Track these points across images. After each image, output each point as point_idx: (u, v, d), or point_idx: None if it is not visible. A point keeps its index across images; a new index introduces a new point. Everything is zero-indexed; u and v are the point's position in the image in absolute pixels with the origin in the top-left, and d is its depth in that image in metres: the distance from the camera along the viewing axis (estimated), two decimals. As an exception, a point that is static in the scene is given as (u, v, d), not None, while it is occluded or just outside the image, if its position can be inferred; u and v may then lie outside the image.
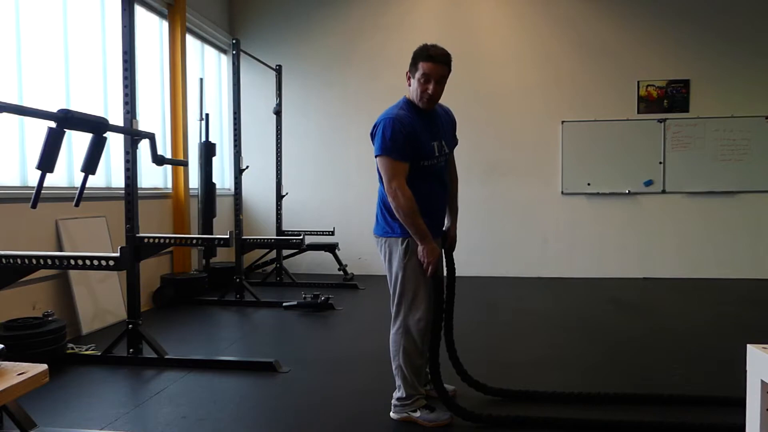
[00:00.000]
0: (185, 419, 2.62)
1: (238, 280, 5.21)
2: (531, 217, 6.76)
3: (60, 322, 3.42)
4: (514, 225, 6.78)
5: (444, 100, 2.63)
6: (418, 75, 2.42)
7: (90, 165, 2.79)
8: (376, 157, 2.46)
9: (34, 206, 2.50)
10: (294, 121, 6.90)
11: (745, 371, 1.21)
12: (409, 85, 2.49)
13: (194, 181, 5.72)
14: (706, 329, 4.36)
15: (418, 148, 2.44)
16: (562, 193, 6.69)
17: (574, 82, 6.65)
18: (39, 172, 2.49)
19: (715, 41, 6.46)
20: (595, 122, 6.61)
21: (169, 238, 3.46)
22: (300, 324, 4.53)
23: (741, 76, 6.44)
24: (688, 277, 6.52)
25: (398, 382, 2.57)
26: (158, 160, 3.30)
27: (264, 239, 5.94)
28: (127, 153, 3.34)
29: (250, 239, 5.60)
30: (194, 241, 4.14)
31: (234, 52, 5.29)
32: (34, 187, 2.53)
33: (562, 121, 6.65)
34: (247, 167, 5.50)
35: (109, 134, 2.89)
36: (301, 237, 5.59)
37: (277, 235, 6.24)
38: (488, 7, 6.76)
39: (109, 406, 2.77)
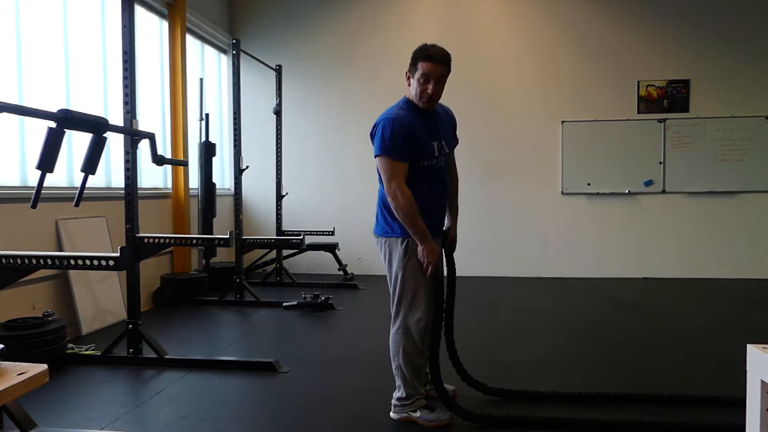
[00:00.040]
0: (185, 419, 2.62)
1: (238, 280, 5.21)
2: (531, 217, 6.76)
3: (60, 322, 3.42)
4: (514, 225, 6.78)
5: (444, 100, 2.62)
6: (417, 75, 2.42)
7: (90, 165, 2.79)
8: (375, 157, 2.46)
9: (34, 206, 2.50)
10: (294, 121, 6.90)
11: (745, 371, 1.21)
12: (409, 85, 2.49)
13: (194, 181, 5.72)
14: (706, 329, 4.35)
15: (417, 149, 2.44)
16: (562, 193, 6.69)
17: (574, 82, 6.65)
18: (39, 172, 2.49)
19: (715, 41, 6.46)
20: (595, 122, 6.61)
21: (169, 238, 3.46)
22: (300, 324, 4.53)
23: (741, 76, 6.44)
24: (688, 277, 6.52)
25: (398, 382, 2.57)
26: (158, 160, 3.30)
27: (264, 239, 5.94)
28: (127, 153, 3.34)
29: (250, 239, 5.60)
30: (194, 241, 4.14)
31: (234, 52, 5.29)
32: (34, 187, 2.53)
33: (562, 121, 6.65)
34: (247, 167, 5.50)
35: (109, 134, 2.89)
36: (301, 237, 5.59)
37: (277, 235, 6.24)
38: (488, 7, 6.76)
39: (109, 406, 2.77)
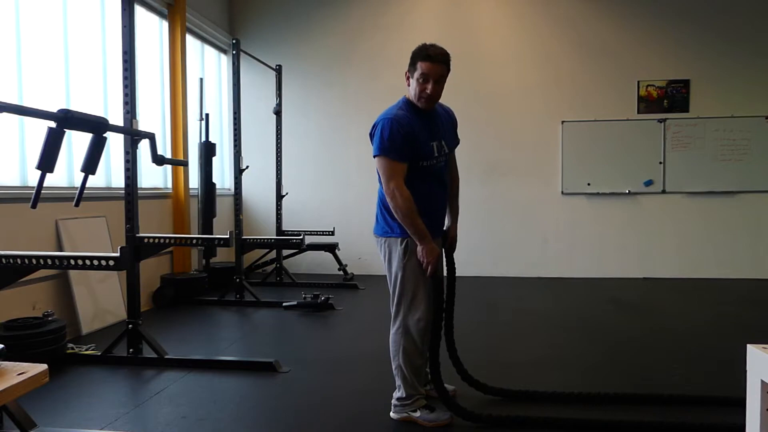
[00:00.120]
0: (185, 419, 2.62)
1: (238, 280, 5.21)
2: (531, 217, 6.76)
3: (60, 322, 3.42)
4: (514, 225, 6.78)
5: (444, 100, 2.62)
6: (416, 75, 2.42)
7: (90, 165, 2.79)
8: (374, 157, 2.46)
9: (34, 206, 2.50)
10: (294, 121, 6.90)
11: (745, 371, 1.21)
12: (408, 85, 2.49)
13: (194, 181, 5.72)
14: (706, 329, 4.35)
15: (416, 149, 2.44)
16: (562, 193, 6.69)
17: (574, 82, 6.65)
18: (39, 172, 2.49)
19: (715, 41, 6.46)
20: (595, 122, 6.61)
21: (169, 238, 3.46)
22: (300, 324, 4.53)
23: (741, 76, 6.44)
24: (688, 277, 6.52)
25: (398, 382, 2.57)
26: (158, 160, 3.30)
27: (264, 239, 5.94)
28: (127, 153, 3.34)
29: (250, 239, 5.60)
30: (194, 241, 4.14)
31: (234, 52, 5.29)
32: (34, 187, 2.53)
33: (562, 121, 6.65)
34: (247, 167, 5.50)
35: (109, 134, 2.89)
36: (301, 237, 5.59)
37: (277, 235, 6.24)
38: (488, 7, 6.76)
39: (109, 406, 2.77)
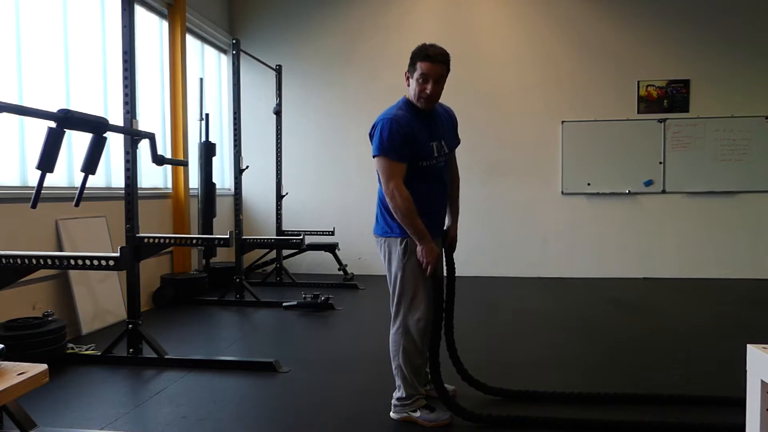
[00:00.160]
0: (185, 419, 2.62)
1: (238, 280, 5.21)
2: (531, 217, 6.76)
3: (60, 322, 3.42)
4: (514, 225, 6.78)
5: (444, 100, 2.62)
6: (416, 75, 2.42)
7: (90, 165, 2.79)
8: (373, 157, 2.46)
9: (34, 206, 2.50)
10: (294, 121, 6.90)
11: (745, 371, 1.21)
12: (408, 85, 2.49)
13: (194, 181, 5.72)
14: (706, 329, 4.35)
15: (416, 149, 2.44)
16: (562, 193, 6.69)
17: (574, 82, 6.65)
18: (39, 172, 2.49)
19: (715, 41, 6.46)
20: (595, 122, 6.61)
21: (169, 238, 3.46)
22: (300, 324, 4.53)
23: (741, 76, 6.44)
24: (688, 277, 6.52)
25: (398, 382, 2.57)
26: (158, 160, 3.30)
27: (264, 239, 5.94)
28: (127, 153, 3.34)
29: (250, 239, 5.60)
30: (194, 241, 4.14)
31: (234, 52, 5.29)
32: (34, 187, 2.53)
33: (562, 121, 6.65)
34: (247, 167, 5.50)
35: (109, 134, 2.89)
36: (301, 237, 5.59)
37: (277, 235, 6.24)
38: (488, 7, 6.76)
39: (109, 406, 2.77)
